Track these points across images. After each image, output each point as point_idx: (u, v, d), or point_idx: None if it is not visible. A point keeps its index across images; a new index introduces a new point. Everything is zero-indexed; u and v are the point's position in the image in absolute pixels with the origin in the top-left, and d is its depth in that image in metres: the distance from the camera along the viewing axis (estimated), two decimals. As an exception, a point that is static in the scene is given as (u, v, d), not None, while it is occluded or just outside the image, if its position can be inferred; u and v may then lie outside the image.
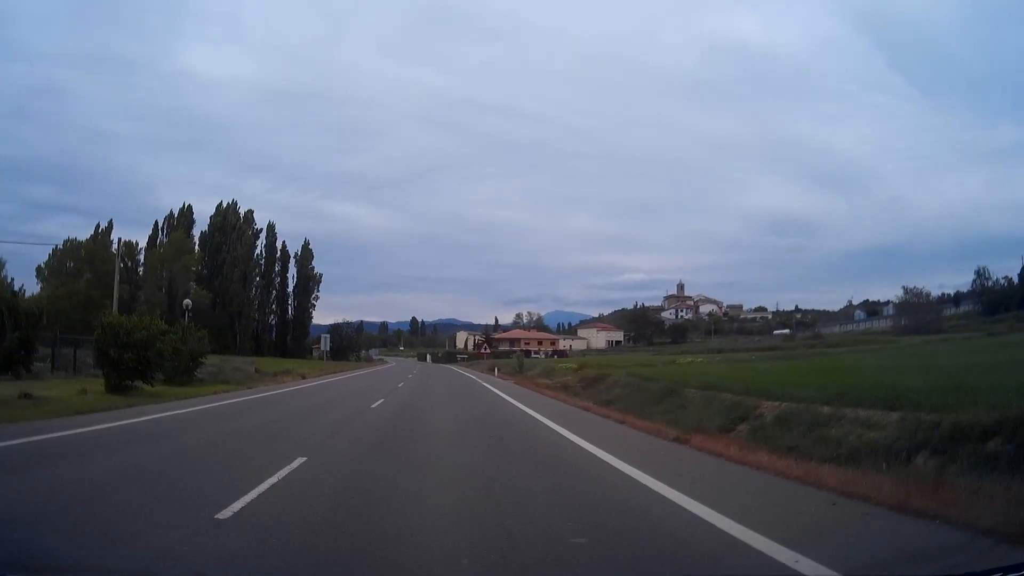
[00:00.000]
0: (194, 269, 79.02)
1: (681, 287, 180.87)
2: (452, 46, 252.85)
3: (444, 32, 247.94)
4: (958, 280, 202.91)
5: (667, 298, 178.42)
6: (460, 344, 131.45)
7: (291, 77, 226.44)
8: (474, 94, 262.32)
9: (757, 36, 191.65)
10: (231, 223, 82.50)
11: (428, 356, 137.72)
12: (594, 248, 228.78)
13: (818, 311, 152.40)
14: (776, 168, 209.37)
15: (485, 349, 49.34)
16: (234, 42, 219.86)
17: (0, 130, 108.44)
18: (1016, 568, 2.87)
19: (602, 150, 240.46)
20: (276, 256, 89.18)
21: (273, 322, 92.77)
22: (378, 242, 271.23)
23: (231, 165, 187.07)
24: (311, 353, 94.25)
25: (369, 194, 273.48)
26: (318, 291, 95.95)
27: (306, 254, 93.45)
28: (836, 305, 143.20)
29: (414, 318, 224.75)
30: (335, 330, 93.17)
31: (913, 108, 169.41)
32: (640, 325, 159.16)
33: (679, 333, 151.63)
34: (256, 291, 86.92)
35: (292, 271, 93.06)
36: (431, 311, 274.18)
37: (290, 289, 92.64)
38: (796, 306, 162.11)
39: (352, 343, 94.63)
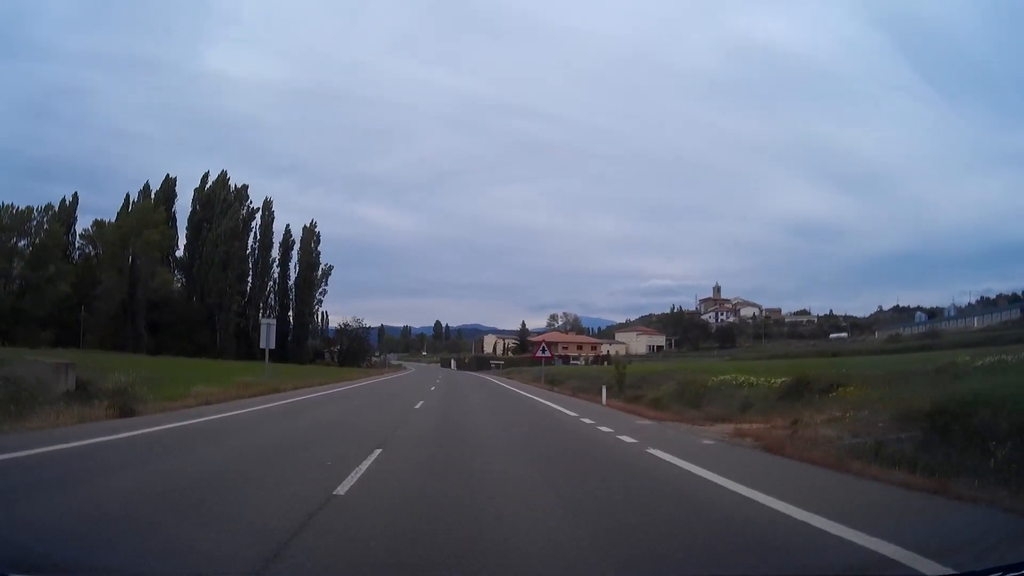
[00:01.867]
0: (167, 253, 65.38)
1: (718, 290, 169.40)
2: (477, 48, 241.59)
3: (469, 34, 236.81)
4: (979, 287, 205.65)
5: (703, 301, 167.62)
6: (488, 348, 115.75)
7: (316, 78, 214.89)
8: (499, 96, 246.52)
9: (782, 37, 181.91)
10: (218, 196, 68.57)
11: (453, 361, 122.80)
12: (619, 252, 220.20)
13: (850, 316, 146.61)
14: (800, 171, 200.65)
15: (543, 352, 34.39)
16: (259, 43, 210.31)
17: (24, 130, 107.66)
18: (1016, 567, 2.83)
19: (627, 152, 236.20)
20: (272, 240, 74.89)
21: (271, 319, 78.22)
22: (402, 246, 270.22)
23: (256, 167, 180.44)
24: (322, 357, 79.91)
25: (394, 197, 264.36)
26: (326, 285, 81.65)
27: (309, 239, 78.91)
28: (862, 311, 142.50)
29: (437, 322, 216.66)
30: (342, 332, 78.71)
31: (934, 111, 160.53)
32: (685, 328, 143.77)
33: (726, 337, 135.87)
34: (249, 281, 72.65)
35: (295, 260, 78.76)
36: (454, 317, 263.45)
37: (291, 282, 78.36)
38: (831, 310, 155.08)
39: (362, 346, 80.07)
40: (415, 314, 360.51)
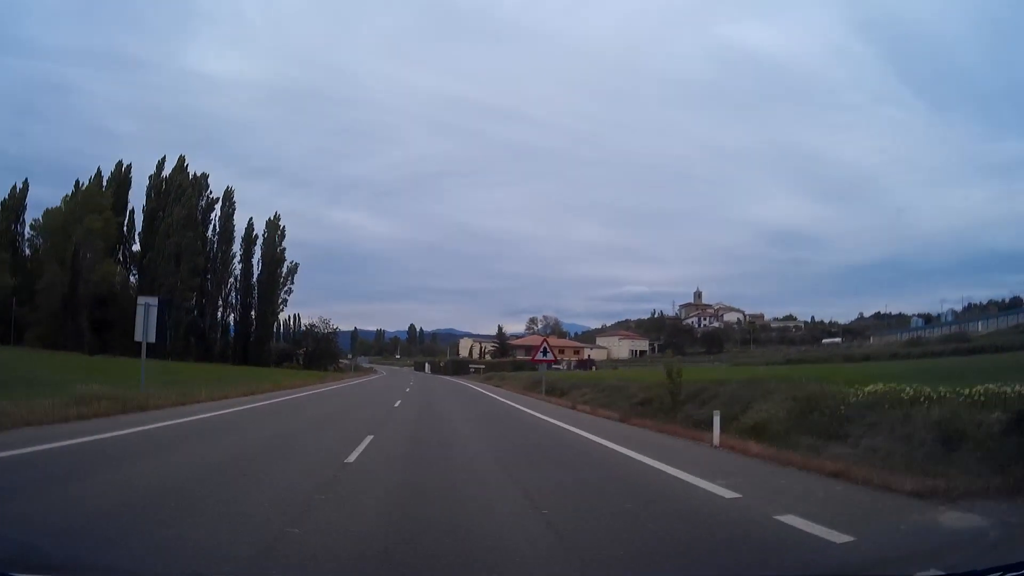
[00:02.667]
0: (117, 245, 59.75)
1: (699, 295, 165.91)
2: (460, 51, 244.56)
3: (452, 36, 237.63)
4: (962, 294, 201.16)
5: (684, 307, 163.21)
6: (464, 352, 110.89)
7: (298, 79, 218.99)
8: (482, 99, 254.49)
9: (768, 46, 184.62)
10: (174, 183, 63.07)
11: (427, 365, 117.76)
12: (596, 259, 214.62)
13: (835, 323, 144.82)
14: (783, 179, 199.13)
15: (545, 353, 28.96)
16: (242, 43, 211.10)
17: (6, 127, 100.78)
18: (1016, 567, 2.83)
19: (608, 158, 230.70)
20: (234, 233, 69.49)
21: (231, 319, 72.84)
22: (377, 251, 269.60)
23: (237, 168, 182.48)
24: (290, 360, 74.56)
25: (373, 201, 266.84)
26: (291, 284, 76.32)
27: (273, 234, 73.58)
28: (842, 318, 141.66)
29: (412, 325, 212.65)
30: (309, 333, 73.54)
31: (922, 120, 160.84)
32: (669, 333, 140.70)
33: (713, 342, 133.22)
34: (209, 277, 67.10)
35: (259, 255, 73.31)
36: (429, 321, 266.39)
37: (255, 279, 72.84)
38: (812, 317, 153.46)
39: (330, 348, 74.82)
40: (389, 318, 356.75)
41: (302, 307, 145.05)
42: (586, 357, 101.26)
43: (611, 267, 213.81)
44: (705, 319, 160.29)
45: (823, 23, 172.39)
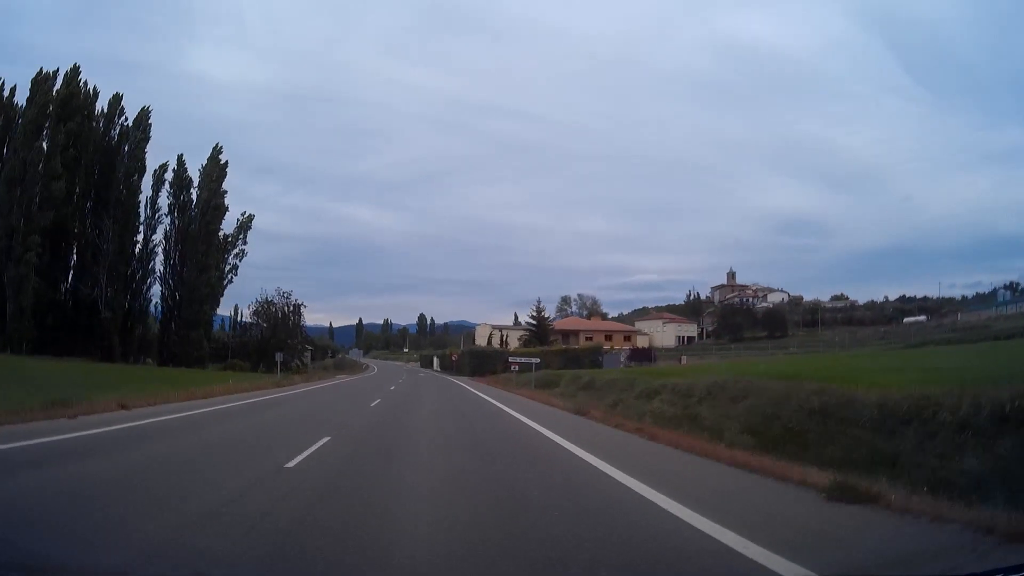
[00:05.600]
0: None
1: (732, 275, 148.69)
2: (462, 48, 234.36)
3: (454, 34, 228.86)
4: (967, 279, 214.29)
5: (717, 288, 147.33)
6: (481, 340, 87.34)
7: (300, 79, 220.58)
8: (485, 96, 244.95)
9: (768, 37, 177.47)
10: (61, 97, 40.77)
11: (435, 359, 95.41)
12: (604, 249, 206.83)
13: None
14: (787, 169, 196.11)
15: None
16: (243, 45, 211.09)
17: None
18: (1017, 569, 2.82)
19: (612, 151, 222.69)
20: (138, 165, 46.88)
21: (157, 299, 50.45)
22: (386, 246, 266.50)
23: (241, 168, 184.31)
24: (241, 356, 51.95)
25: (379, 197, 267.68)
26: (243, 244, 53.82)
27: (211, 173, 51.04)
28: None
29: (421, 315, 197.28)
30: (260, 314, 50.52)
31: (922, 109, 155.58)
32: (723, 315, 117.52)
33: (776, 324, 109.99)
34: (91, 223, 44.46)
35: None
36: (440, 314, 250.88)
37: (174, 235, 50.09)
38: (834, 296, 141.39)
39: (289, 334, 51.48)
40: (398, 312, 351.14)
41: (308, 302, 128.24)
42: (641, 346, 78.44)
43: (619, 256, 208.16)
44: (747, 300, 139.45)
45: (825, 13, 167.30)
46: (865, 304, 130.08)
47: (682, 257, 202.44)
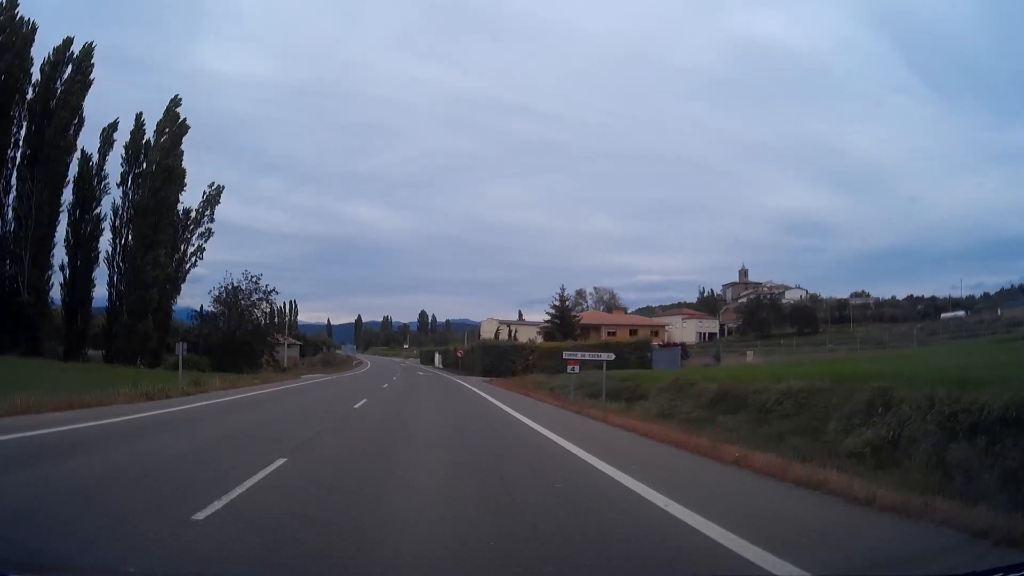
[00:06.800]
0: None
1: (744, 272, 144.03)
2: (472, 46, 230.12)
3: (465, 32, 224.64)
4: (971, 280, 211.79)
5: (729, 286, 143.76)
6: (488, 336, 78.39)
7: (308, 76, 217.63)
8: (492, 94, 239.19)
9: (779, 36, 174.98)
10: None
11: (438, 356, 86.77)
12: (609, 250, 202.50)
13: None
14: (795, 169, 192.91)
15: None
16: (251, 41, 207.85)
17: None
18: (1017, 568, 2.76)
19: (620, 150, 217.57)
20: (73, 117, 38.25)
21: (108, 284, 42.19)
22: (388, 244, 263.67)
23: (248, 165, 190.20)
24: (195, 349, 42.88)
25: (385, 195, 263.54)
26: (209, 222, 45.35)
27: (165, 127, 42.43)
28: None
29: (423, 311, 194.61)
30: (222, 300, 41.22)
31: (930, 109, 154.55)
32: (750, 310, 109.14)
33: (806, 321, 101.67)
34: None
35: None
36: (442, 312, 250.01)
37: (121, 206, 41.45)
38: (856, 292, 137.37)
39: (253, 324, 41.95)
40: (400, 310, 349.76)
41: (308, 301, 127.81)
42: (669, 341, 69.62)
43: (623, 256, 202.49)
44: (764, 297, 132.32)
45: (834, 13, 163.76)
46: (887, 300, 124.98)
47: (686, 257, 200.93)
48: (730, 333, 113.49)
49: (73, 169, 38.79)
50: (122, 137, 42.51)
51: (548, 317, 54.96)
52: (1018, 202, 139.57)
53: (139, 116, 43.36)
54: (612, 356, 15.67)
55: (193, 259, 45.13)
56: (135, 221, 39.81)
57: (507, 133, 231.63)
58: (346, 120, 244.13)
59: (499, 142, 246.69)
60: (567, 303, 55.60)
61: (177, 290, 44.58)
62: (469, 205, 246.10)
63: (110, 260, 41.81)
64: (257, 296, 41.54)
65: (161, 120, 42.72)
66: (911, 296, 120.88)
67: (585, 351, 15.12)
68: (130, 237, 41.45)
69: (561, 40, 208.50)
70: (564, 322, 52.02)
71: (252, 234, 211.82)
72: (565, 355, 14.66)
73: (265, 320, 42.13)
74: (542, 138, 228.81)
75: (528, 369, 41.54)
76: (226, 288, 41.07)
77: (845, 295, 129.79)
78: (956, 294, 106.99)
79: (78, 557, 4.02)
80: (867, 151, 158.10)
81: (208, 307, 41.63)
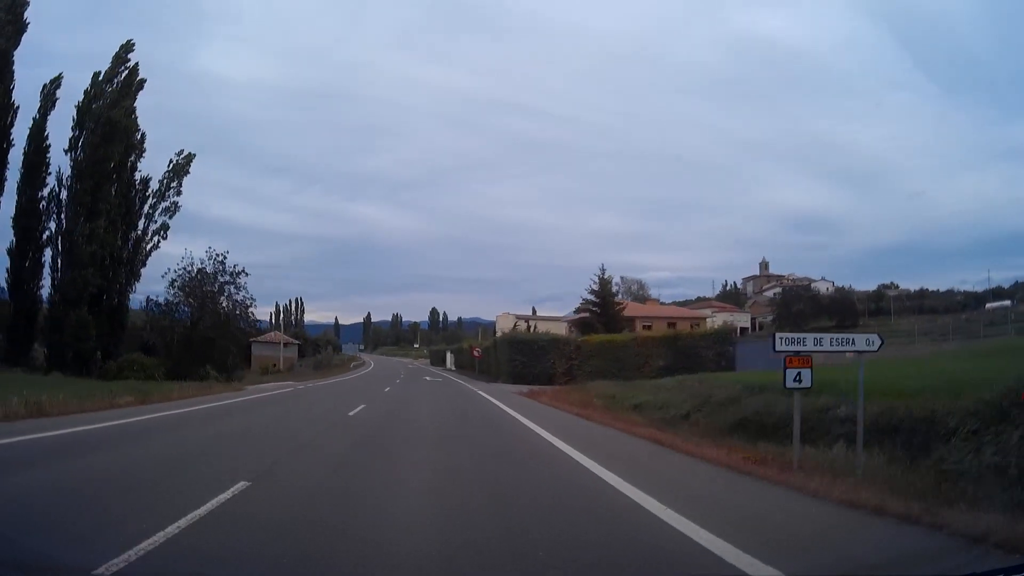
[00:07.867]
0: None
1: (765, 265, 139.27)
2: (475, 45, 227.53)
3: (467, 32, 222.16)
4: (975, 276, 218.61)
5: (750, 279, 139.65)
6: (505, 330, 69.74)
7: (311, 77, 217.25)
8: (496, 94, 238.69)
9: (782, 33, 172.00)
10: None
11: (450, 355, 78.64)
12: (616, 247, 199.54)
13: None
14: (799, 166, 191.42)
15: None
16: (253, 43, 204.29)
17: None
18: (1017, 569, 2.73)
19: (624, 148, 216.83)
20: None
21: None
22: (398, 243, 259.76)
23: (252, 167, 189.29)
24: (154, 351, 34.18)
25: (391, 195, 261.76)
26: (175, 196, 37.40)
27: (113, 77, 34.46)
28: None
29: (433, 309, 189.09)
30: (185, 287, 32.53)
31: (933, 105, 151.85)
32: (784, 302, 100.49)
33: (846, 311, 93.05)
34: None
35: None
36: (453, 310, 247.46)
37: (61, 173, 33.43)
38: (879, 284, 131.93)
39: (217, 312, 33.58)
40: (410, 309, 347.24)
41: (318, 301, 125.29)
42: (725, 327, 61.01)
43: (631, 254, 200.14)
44: (791, 289, 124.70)
45: (835, 10, 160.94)
46: (917, 292, 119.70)
47: (692, 254, 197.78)
48: (761, 327, 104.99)
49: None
50: (76, 98, 35.14)
51: (582, 304, 45.16)
52: (1020, 198, 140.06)
53: (96, 76, 35.42)
54: (877, 340, 7.39)
55: (155, 239, 37.02)
56: (71, 187, 31.77)
57: (512, 132, 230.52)
58: (349, 121, 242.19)
59: (504, 141, 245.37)
60: (609, 287, 45.49)
61: (136, 275, 36.52)
62: (475, 204, 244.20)
63: (52, 238, 34.05)
64: (224, 279, 33.12)
65: (109, 68, 34.68)
66: (936, 289, 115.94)
67: (804, 334, 7.54)
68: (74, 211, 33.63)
69: (566, 39, 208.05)
70: (605, 312, 42.32)
71: (261, 235, 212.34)
72: (777, 346, 6.58)
73: (237, 310, 33.76)
74: (547, 137, 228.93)
75: (570, 373, 33.41)
76: (186, 270, 32.65)
77: (878, 285, 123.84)
78: (968, 287, 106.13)
79: None
80: (870, 147, 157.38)
81: (164, 296, 33.56)
